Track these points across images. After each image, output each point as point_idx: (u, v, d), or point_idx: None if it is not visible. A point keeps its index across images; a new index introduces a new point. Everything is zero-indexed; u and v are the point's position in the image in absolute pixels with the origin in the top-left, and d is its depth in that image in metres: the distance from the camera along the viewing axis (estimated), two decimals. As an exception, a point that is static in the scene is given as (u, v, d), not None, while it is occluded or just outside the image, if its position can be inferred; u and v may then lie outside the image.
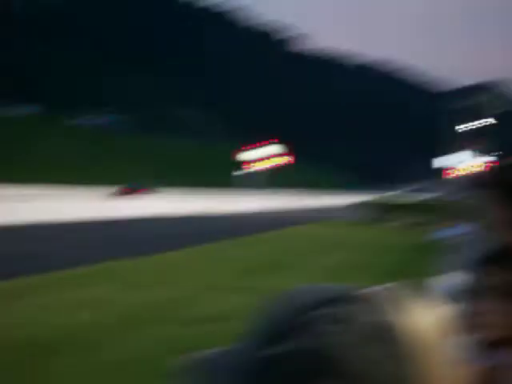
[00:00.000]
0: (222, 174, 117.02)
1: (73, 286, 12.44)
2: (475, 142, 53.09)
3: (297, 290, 0.74)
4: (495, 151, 49.05)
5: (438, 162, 44.91)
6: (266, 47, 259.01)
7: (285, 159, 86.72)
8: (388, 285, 0.74)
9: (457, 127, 61.17)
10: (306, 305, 0.72)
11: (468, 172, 49.64)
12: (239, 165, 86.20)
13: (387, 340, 0.69)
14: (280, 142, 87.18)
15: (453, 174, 43.17)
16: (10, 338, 8.13)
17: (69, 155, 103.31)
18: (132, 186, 65.90)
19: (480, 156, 49.96)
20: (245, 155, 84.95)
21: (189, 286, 12.97)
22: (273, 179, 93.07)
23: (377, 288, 0.72)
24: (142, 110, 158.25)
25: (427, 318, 0.72)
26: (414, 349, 0.68)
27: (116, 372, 6.84)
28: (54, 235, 24.37)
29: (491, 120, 69.37)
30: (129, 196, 60.86)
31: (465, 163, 49.25)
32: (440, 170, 46.97)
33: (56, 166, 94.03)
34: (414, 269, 16.19)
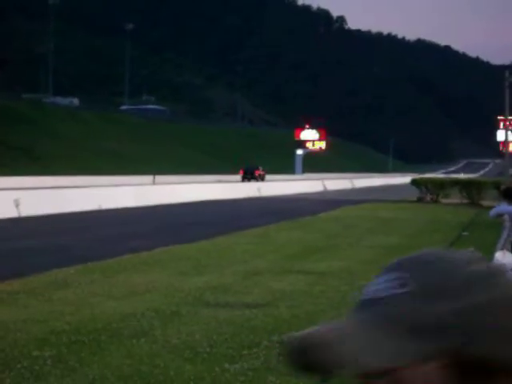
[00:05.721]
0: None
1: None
2: None
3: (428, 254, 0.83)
4: None
5: (500, 136, 45.22)
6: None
7: (320, 144, 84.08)
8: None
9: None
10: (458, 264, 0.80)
11: None
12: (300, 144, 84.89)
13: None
14: (315, 125, 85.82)
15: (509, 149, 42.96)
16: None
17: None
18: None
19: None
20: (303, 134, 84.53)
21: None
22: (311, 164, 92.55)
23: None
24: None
25: None
26: None
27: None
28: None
29: None
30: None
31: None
32: (498, 144, 47.22)
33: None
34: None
